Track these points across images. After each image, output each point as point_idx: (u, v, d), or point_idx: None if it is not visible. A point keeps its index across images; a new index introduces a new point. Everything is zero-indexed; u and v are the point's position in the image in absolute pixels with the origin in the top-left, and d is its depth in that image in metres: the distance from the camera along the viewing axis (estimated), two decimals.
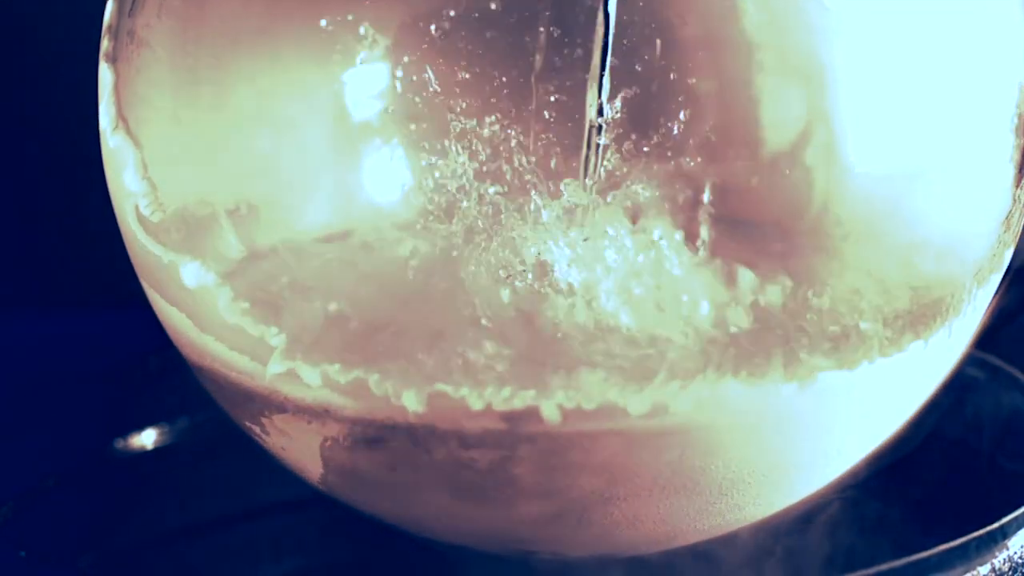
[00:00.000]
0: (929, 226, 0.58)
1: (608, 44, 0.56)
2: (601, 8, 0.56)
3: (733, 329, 0.55)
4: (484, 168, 0.60)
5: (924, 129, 0.58)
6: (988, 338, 0.63)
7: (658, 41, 0.57)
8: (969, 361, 0.65)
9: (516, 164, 0.59)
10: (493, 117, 0.58)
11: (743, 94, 0.57)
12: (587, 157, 0.57)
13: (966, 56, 0.58)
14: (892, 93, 0.57)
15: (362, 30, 0.59)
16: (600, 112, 0.56)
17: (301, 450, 0.59)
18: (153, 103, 0.60)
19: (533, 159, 0.59)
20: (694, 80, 0.58)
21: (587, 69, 0.56)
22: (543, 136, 0.59)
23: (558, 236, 0.58)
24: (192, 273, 0.58)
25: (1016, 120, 0.59)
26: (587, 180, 0.58)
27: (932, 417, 0.62)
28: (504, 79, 0.59)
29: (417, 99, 0.60)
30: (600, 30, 0.56)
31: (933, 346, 0.58)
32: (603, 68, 0.56)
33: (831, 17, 0.57)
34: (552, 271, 0.57)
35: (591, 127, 0.57)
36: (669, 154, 0.58)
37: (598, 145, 0.57)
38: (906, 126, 0.57)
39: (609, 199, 0.58)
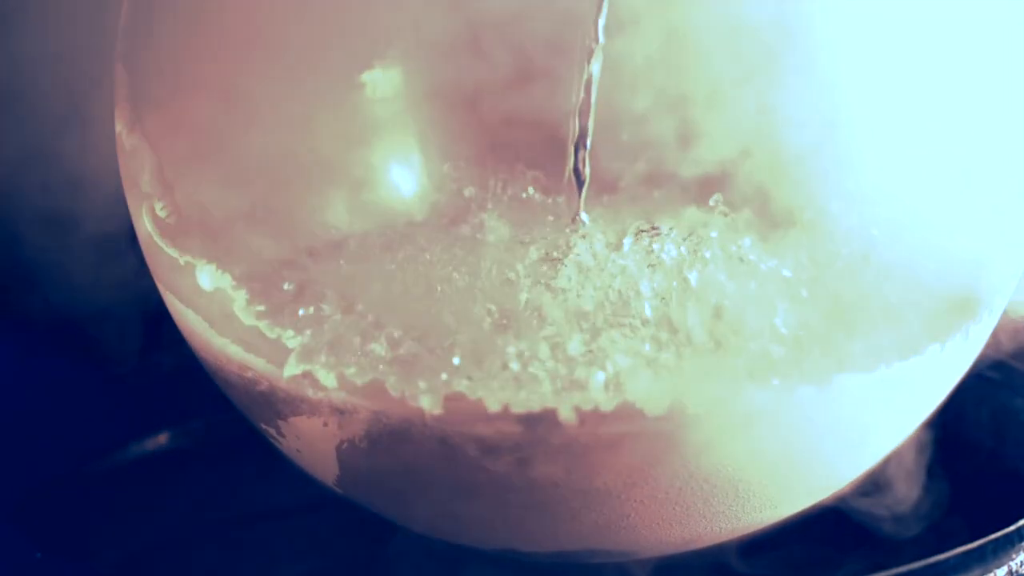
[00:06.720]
0: (950, 232, 0.58)
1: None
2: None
3: (750, 331, 0.55)
4: (502, 170, 0.60)
5: (947, 138, 0.58)
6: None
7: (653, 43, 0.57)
8: (985, 364, 0.65)
9: (533, 166, 0.59)
10: (511, 120, 0.58)
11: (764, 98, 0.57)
12: (580, 163, 0.58)
13: (994, 71, 0.58)
14: (919, 105, 0.57)
15: (377, 33, 0.59)
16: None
17: (317, 452, 0.59)
18: (169, 106, 0.60)
19: (549, 161, 0.59)
20: (710, 83, 0.58)
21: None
22: (559, 137, 0.59)
23: (576, 238, 0.58)
24: (208, 275, 0.58)
25: None
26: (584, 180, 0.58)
27: (948, 419, 0.63)
28: (520, 82, 0.59)
29: (434, 102, 0.60)
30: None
31: (949, 349, 0.58)
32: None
33: (856, 21, 0.57)
34: (569, 273, 0.57)
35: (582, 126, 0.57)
36: (687, 157, 0.58)
37: (585, 150, 0.57)
38: (929, 134, 0.57)
39: (625, 202, 0.59)
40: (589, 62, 0.56)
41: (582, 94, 0.57)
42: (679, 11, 0.57)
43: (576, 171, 0.58)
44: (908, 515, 0.66)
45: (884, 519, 0.66)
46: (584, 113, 0.57)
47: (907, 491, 0.65)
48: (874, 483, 0.63)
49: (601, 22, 0.56)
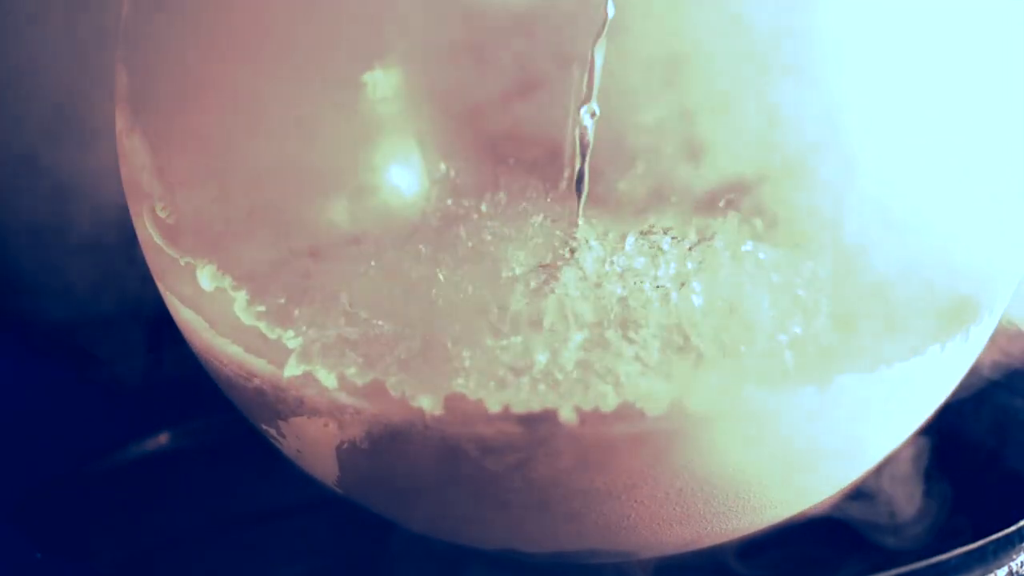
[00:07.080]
0: (952, 233, 0.58)
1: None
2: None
3: (750, 332, 0.55)
4: (502, 172, 0.60)
5: (949, 140, 0.58)
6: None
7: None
8: (986, 365, 0.65)
9: (533, 169, 0.59)
10: (510, 123, 0.58)
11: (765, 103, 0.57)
12: (583, 165, 0.58)
13: (994, 74, 0.58)
14: (921, 108, 0.57)
15: (379, 36, 0.59)
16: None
17: (317, 453, 0.59)
18: (170, 106, 0.60)
19: (550, 164, 0.59)
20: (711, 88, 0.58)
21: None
22: (557, 140, 0.59)
23: (577, 239, 0.58)
24: (209, 276, 0.58)
25: None
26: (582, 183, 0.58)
27: (948, 420, 0.63)
28: (518, 85, 0.59)
29: (434, 105, 0.60)
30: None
31: (950, 350, 0.58)
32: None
33: (858, 26, 0.57)
34: (569, 275, 0.57)
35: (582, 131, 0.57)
36: (688, 161, 0.58)
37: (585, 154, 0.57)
38: (931, 136, 0.57)
39: (627, 205, 0.59)
40: (583, 114, 0.57)
41: (579, 154, 0.57)
42: (679, 17, 0.58)
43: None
44: (909, 516, 0.66)
45: (884, 520, 0.66)
46: (583, 156, 0.57)
47: (907, 492, 0.65)
48: (875, 484, 0.63)
49: (591, 105, 0.56)
